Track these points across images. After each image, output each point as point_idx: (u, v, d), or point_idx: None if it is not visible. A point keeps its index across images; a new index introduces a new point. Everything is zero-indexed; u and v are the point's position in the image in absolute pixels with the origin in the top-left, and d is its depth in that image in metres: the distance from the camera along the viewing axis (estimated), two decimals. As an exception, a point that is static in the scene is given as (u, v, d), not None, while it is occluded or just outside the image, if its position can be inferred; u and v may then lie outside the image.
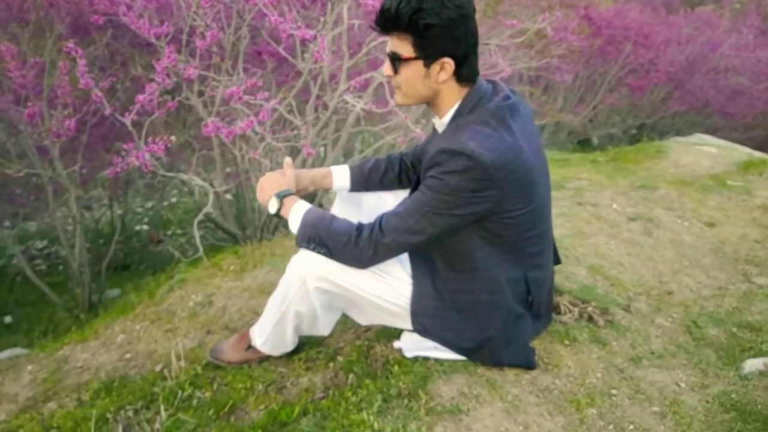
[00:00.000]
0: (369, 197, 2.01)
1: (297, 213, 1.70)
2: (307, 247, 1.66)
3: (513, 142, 1.56)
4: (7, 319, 4.81)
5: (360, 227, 1.62)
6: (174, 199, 8.43)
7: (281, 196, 1.75)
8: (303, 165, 3.30)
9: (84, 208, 5.81)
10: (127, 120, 2.89)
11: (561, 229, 2.73)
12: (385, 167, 1.98)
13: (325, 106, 3.50)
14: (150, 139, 2.81)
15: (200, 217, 3.28)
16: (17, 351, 2.76)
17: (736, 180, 3.63)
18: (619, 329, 2.01)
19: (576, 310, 2.08)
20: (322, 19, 3.24)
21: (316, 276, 1.68)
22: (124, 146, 2.81)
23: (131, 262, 6.79)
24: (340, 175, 1.96)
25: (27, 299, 5.28)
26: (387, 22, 1.56)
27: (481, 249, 1.65)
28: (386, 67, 1.63)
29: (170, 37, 3.23)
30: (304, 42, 3.28)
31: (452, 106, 1.64)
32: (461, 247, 1.66)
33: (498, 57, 3.67)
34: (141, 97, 2.87)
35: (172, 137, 2.67)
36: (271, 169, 2.02)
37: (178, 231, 7.48)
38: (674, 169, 3.85)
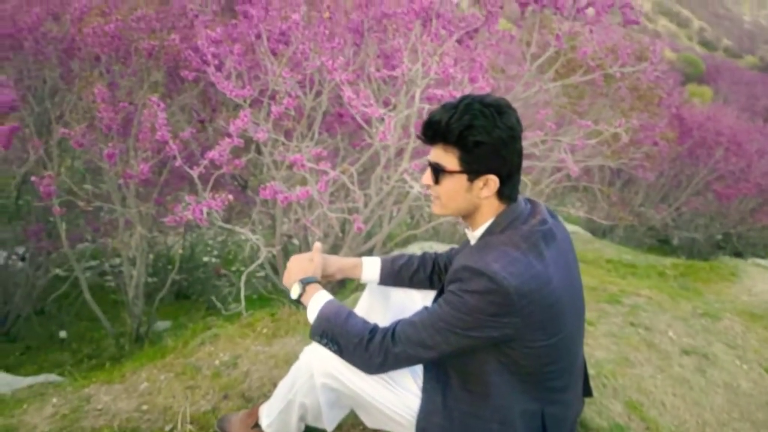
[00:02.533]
0: (397, 293, 1.97)
1: (316, 304, 1.68)
2: (320, 341, 1.63)
3: (542, 269, 1.49)
4: (62, 333, 5.03)
5: (374, 331, 1.58)
6: (243, 237, 8.66)
7: (305, 283, 1.74)
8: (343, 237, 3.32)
9: (159, 232, 6.07)
10: (195, 173, 3.04)
11: (604, 351, 2.56)
12: (417, 266, 1.95)
13: (386, 182, 3.54)
14: (211, 194, 2.93)
15: (248, 271, 3.35)
16: (52, 377, 2.87)
17: (816, 321, 3.31)
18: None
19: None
20: (393, 99, 3.32)
21: (323, 372, 1.65)
22: (187, 197, 2.93)
23: (193, 292, 7.02)
24: (370, 268, 1.94)
25: (86, 315, 5.53)
26: (436, 135, 1.55)
27: (497, 374, 1.57)
28: (426, 177, 1.61)
29: (252, 98, 3.40)
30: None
31: (486, 221, 1.60)
32: (477, 368, 1.58)
33: (567, 155, 3.61)
34: (211, 153, 3.01)
35: (230, 196, 2.75)
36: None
37: (242, 268, 7.68)
38: (746, 297, 3.57)
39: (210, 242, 8.31)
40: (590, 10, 3.51)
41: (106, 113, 3.20)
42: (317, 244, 1.89)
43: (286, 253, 5.34)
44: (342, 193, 3.91)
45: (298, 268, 1.81)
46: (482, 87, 3.07)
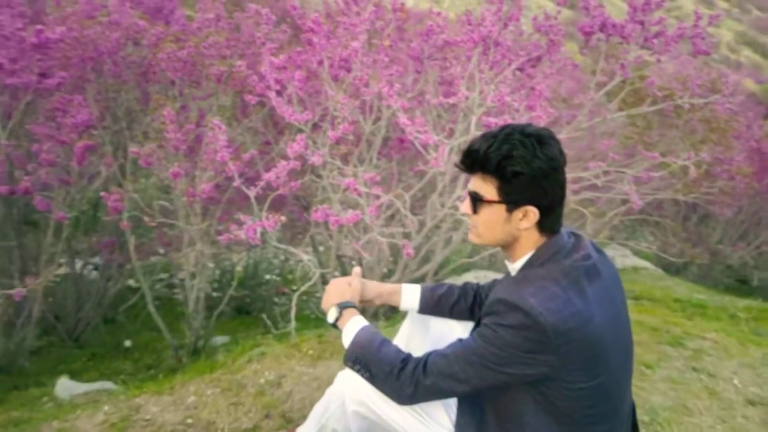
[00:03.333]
0: (437, 323, 1.94)
1: (351, 329, 1.68)
2: (352, 368, 1.62)
3: (582, 307, 1.43)
4: (127, 342, 5.25)
5: (406, 360, 1.56)
6: (306, 256, 8.79)
7: (342, 307, 1.74)
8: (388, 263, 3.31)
9: (226, 248, 6.26)
10: (252, 193, 3.13)
11: (661, 397, 2.41)
12: (458, 296, 1.91)
13: (441, 208, 3.52)
14: (265, 215, 3.00)
15: (300, 292, 3.40)
16: (107, 385, 2.99)
17: None
18: None
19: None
20: (449, 126, 3.32)
21: (355, 399, 1.63)
22: (241, 216, 3.02)
23: (254, 309, 7.17)
24: (409, 295, 1.92)
25: (151, 326, 5.75)
26: (474, 163, 1.53)
27: (533, 414, 1.50)
28: (465, 205, 1.59)
29: (312, 123, 3.49)
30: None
31: (526, 253, 1.55)
32: (512, 406, 1.52)
33: (631, 187, 3.47)
34: (268, 174, 3.10)
35: (283, 217, 2.81)
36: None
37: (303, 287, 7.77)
38: (828, 347, 3.27)
39: (273, 260, 8.49)
40: (659, 40, 3.39)
41: (173, 134, 3.36)
42: (356, 269, 1.90)
43: (344, 275, 5.38)
44: (397, 218, 3.91)
45: (336, 291, 1.81)
46: (539, 116, 3.02)
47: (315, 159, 3.11)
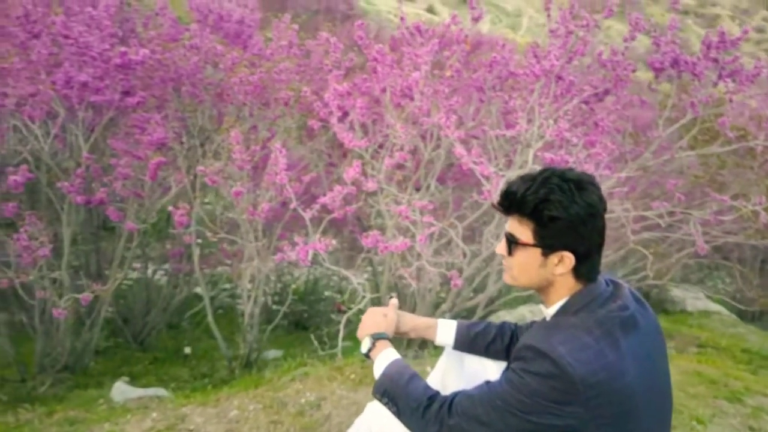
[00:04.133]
0: (472, 361, 1.91)
1: (382, 361, 1.69)
2: (380, 400, 1.64)
3: (615, 359, 1.38)
4: (187, 349, 5.46)
5: (433, 398, 1.55)
6: (366, 275, 8.92)
7: (375, 338, 1.76)
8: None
9: (289, 263, 6.44)
10: (307, 215, 3.22)
11: (711, 455, 2.27)
12: (494, 336, 1.89)
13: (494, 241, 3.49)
14: (318, 237, 3.08)
15: (348, 315, 3.45)
16: (160, 392, 3.13)
17: None
18: None
19: None
20: (501, 159, 3.30)
21: (381, 432, 1.64)
22: (295, 237, 3.11)
23: (311, 325, 7.29)
24: (445, 331, 1.91)
25: (211, 333, 5.97)
26: (511, 205, 1.52)
27: (559, 465, 1.46)
28: (501, 246, 1.58)
29: (372, 148, 3.57)
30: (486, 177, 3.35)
31: (560, 299, 1.52)
32: (539, 455, 1.49)
33: (697, 229, 3.31)
34: (323, 198, 3.18)
35: (333, 241, 2.88)
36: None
37: (361, 307, 7.85)
38: None
39: (333, 277, 8.61)
40: (733, 79, 3.25)
41: (239, 155, 3.51)
42: (393, 301, 1.91)
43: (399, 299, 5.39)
44: (451, 246, 3.91)
45: (371, 322, 1.83)
46: (599, 153, 2.96)
47: (369, 185, 3.17)
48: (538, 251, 1.49)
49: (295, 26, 4.44)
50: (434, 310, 4.17)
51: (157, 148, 3.61)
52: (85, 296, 3.34)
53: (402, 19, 3.61)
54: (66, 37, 3.67)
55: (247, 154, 3.56)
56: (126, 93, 3.81)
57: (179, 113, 4.28)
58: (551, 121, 3.05)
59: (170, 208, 3.61)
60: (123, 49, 3.60)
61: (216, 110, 4.55)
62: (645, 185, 4.13)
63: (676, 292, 7.33)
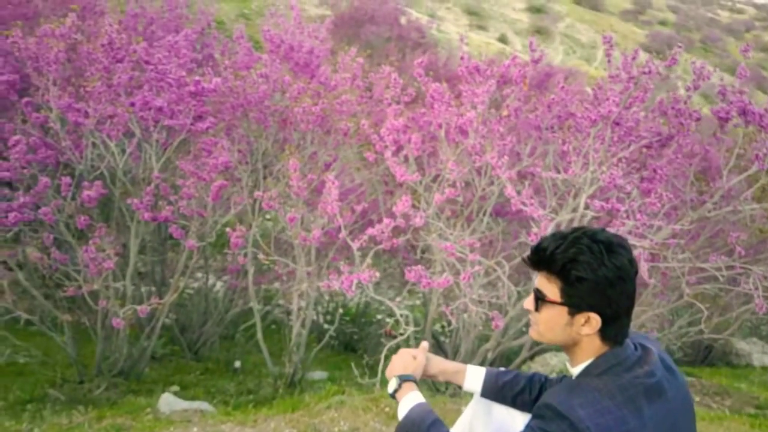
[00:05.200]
0: (500, 410, 1.91)
1: (406, 403, 1.72)
2: (401, 442, 1.67)
3: (636, 427, 1.36)
4: (237, 363, 5.63)
5: (451, 445, 1.58)
6: (418, 301, 8.91)
7: (402, 379, 1.80)
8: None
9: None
10: (355, 245, 3.30)
11: None
12: (522, 386, 1.88)
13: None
14: (365, 267, 3.16)
15: (391, 344, 3.48)
16: (204, 406, 3.26)
17: None
18: None
19: None
20: (550, 203, 3.27)
21: (400, 474, 1.67)
22: (341, 266, 3.20)
23: (359, 347, 7.35)
24: (473, 377, 1.92)
25: (261, 349, 6.14)
26: (540, 262, 1.54)
27: None
28: (528, 301, 1.59)
29: (425, 182, 3.63)
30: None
31: (586, 360, 1.52)
32: None
33: (757, 286, 3.16)
34: (371, 230, 3.26)
35: (377, 273, 2.94)
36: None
37: (414, 328, 7.86)
38: None
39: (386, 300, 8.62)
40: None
41: (296, 182, 3.65)
42: (424, 343, 1.94)
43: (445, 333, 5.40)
44: (498, 285, 3.89)
45: (400, 363, 1.87)
46: (653, 203, 2.89)
47: (417, 221, 3.22)
48: (564, 310, 1.50)
49: (360, 60, 4.59)
50: (479, 345, 4.15)
51: (221, 170, 3.81)
52: (143, 308, 3.54)
53: (462, 58, 3.68)
54: (147, 62, 3.96)
55: (303, 181, 3.70)
56: (198, 117, 4.04)
57: (246, 137, 4.50)
58: (605, 167, 3.02)
59: (228, 229, 3.78)
60: (197, 78, 3.83)
61: (279, 136, 4.75)
62: (707, 236, 3.98)
63: (742, 345, 6.96)
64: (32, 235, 4.16)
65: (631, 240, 2.82)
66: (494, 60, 4.17)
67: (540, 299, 1.54)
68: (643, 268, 2.83)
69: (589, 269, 1.44)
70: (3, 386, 3.81)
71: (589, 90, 4.39)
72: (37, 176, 3.65)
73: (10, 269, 4.13)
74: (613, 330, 1.48)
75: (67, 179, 3.61)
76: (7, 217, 3.35)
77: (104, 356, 4.09)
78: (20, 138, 3.61)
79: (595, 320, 1.46)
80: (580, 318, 1.48)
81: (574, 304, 1.48)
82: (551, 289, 1.51)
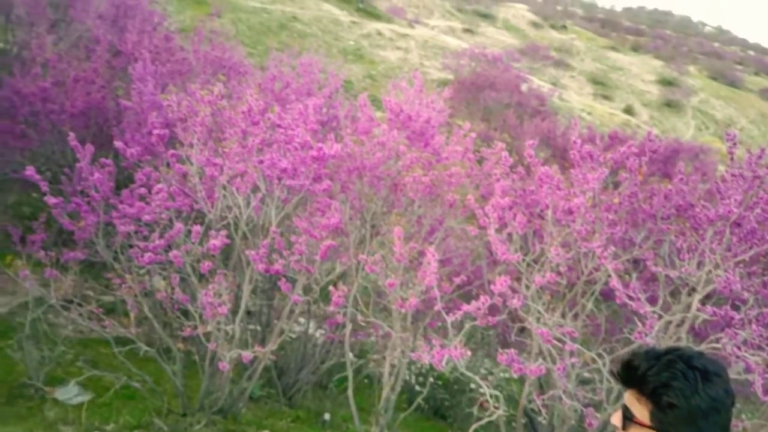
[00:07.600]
0: None
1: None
2: None
3: None
4: (326, 416, 5.74)
5: None
6: (515, 374, 8.53)
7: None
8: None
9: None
10: (449, 319, 3.34)
11: None
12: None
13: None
14: (456, 343, 3.18)
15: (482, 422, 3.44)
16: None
17: None
18: None
19: None
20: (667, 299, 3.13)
21: None
22: (434, 340, 3.24)
23: (449, 416, 7.20)
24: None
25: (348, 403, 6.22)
26: (630, 380, 1.49)
27: None
28: (616, 417, 1.54)
29: (527, 262, 3.62)
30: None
31: (671, 486, 1.45)
32: None
33: None
34: (466, 306, 3.29)
35: (469, 352, 2.96)
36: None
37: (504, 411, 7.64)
38: None
39: (482, 370, 8.43)
40: None
41: (399, 249, 3.79)
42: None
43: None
44: (597, 378, 3.73)
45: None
46: (772, 314, 2.69)
47: (515, 302, 3.22)
48: None
49: (473, 134, 4.73)
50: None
51: (331, 231, 4.04)
52: (247, 355, 3.78)
53: (574, 142, 3.68)
54: (278, 126, 4.35)
55: (405, 249, 3.83)
56: (317, 179, 4.35)
57: (358, 198, 4.75)
58: (721, 270, 2.87)
59: (331, 288, 3.97)
60: (320, 144, 4.15)
61: (390, 198, 4.95)
62: None
63: None
64: (160, 272, 4.60)
65: (745, 352, 2.63)
66: (618, 132, 4.12)
67: (628, 419, 1.50)
68: (758, 383, 2.62)
69: (682, 396, 1.38)
70: (116, 409, 4.18)
71: (722, 168, 4.19)
72: (173, 221, 4.09)
73: (137, 299, 4.59)
74: (702, 459, 1.42)
75: (197, 227, 4.01)
76: (143, 256, 3.77)
77: (208, 392, 4.36)
78: (163, 186, 4.08)
79: (685, 449, 1.41)
80: (669, 445, 1.43)
81: (664, 430, 1.43)
82: (641, 410, 1.46)
